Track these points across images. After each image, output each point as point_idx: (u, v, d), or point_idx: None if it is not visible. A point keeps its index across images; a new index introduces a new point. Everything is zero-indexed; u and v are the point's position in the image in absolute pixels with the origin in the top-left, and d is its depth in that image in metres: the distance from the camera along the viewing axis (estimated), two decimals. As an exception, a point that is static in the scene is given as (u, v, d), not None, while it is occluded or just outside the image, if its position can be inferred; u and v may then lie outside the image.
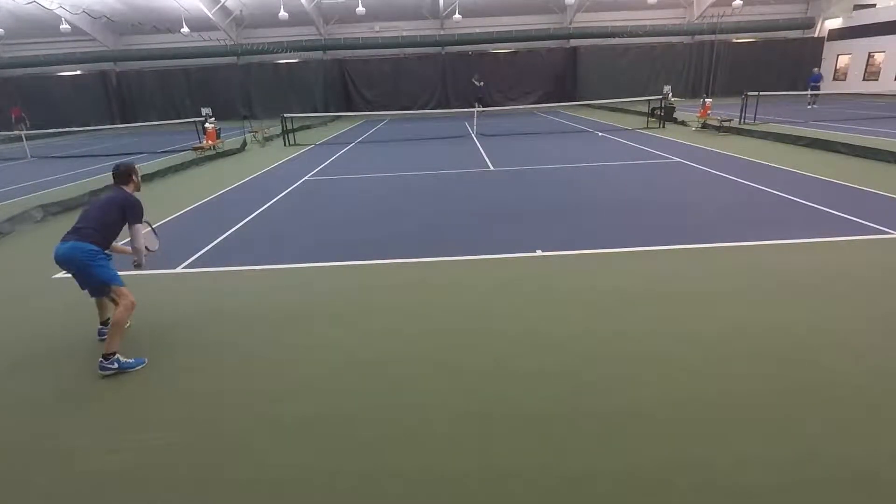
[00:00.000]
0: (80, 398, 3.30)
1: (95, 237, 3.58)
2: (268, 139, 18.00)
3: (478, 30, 29.29)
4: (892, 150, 9.54)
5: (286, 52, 29.41)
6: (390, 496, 2.40)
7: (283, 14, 24.33)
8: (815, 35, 30.12)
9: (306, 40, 29.27)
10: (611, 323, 3.95)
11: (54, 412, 3.17)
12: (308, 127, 22.40)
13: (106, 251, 3.70)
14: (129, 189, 3.85)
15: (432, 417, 2.95)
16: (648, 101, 17.70)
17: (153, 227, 4.32)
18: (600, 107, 24.69)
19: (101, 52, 29.35)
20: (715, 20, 27.94)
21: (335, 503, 2.39)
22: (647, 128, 16.50)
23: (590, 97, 26.23)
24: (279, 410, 3.07)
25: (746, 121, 15.97)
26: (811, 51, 29.58)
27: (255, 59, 30.51)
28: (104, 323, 4.02)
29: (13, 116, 26.18)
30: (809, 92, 21.29)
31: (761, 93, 17.02)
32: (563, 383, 3.20)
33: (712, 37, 29.02)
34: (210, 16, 26.72)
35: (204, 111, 16.90)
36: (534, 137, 15.77)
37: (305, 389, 3.29)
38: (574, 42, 30.31)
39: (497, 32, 29.27)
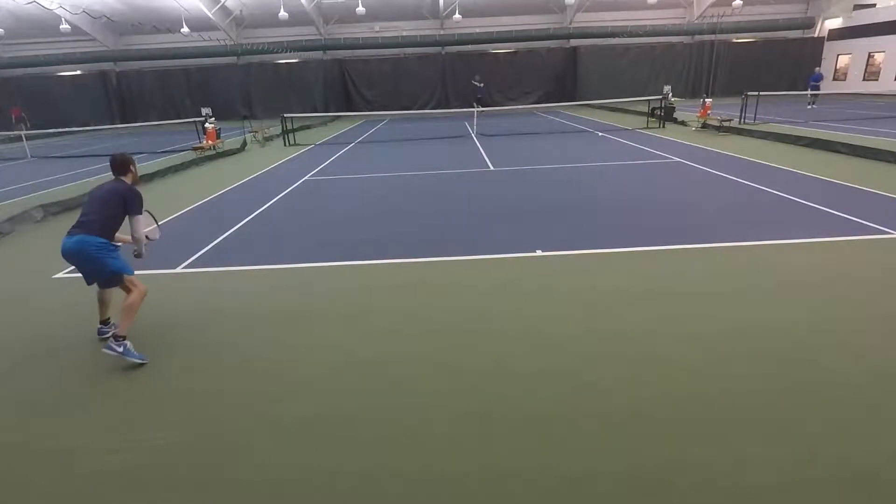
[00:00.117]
0: (80, 398, 3.30)
1: (101, 230, 3.62)
2: (268, 139, 18.00)
3: (478, 30, 29.29)
4: (892, 150, 9.54)
5: (286, 52, 29.41)
6: (390, 496, 2.40)
7: (283, 14, 24.33)
8: (815, 35, 30.12)
9: (306, 40, 29.27)
10: (611, 323, 3.95)
11: (54, 412, 3.17)
12: (308, 127, 22.40)
13: (113, 243, 3.73)
14: (127, 180, 3.86)
15: (432, 417, 2.95)
16: (648, 101, 17.70)
17: (154, 215, 4.36)
18: (600, 107, 24.68)
19: (101, 52, 29.36)
20: (715, 20, 27.94)
21: (335, 503, 2.39)
22: (647, 128, 16.50)
23: (590, 97, 26.22)
24: (279, 410, 3.07)
25: (746, 121, 15.97)
26: (811, 51, 29.59)
27: (255, 59, 30.50)
28: (104, 322, 4.03)
29: (13, 116, 26.18)
30: (809, 92, 21.28)
31: (761, 93, 17.02)
32: (563, 383, 3.20)
33: (712, 37, 29.02)
34: (210, 16, 26.71)
35: (204, 111, 16.90)
36: (534, 137, 15.77)
37: (305, 389, 3.29)
38: (574, 42, 30.31)
39: (497, 32, 29.27)
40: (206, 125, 15.81)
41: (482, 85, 27.05)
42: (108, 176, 3.91)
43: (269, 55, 29.98)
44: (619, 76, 29.65)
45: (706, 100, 16.26)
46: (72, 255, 3.59)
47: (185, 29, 25.57)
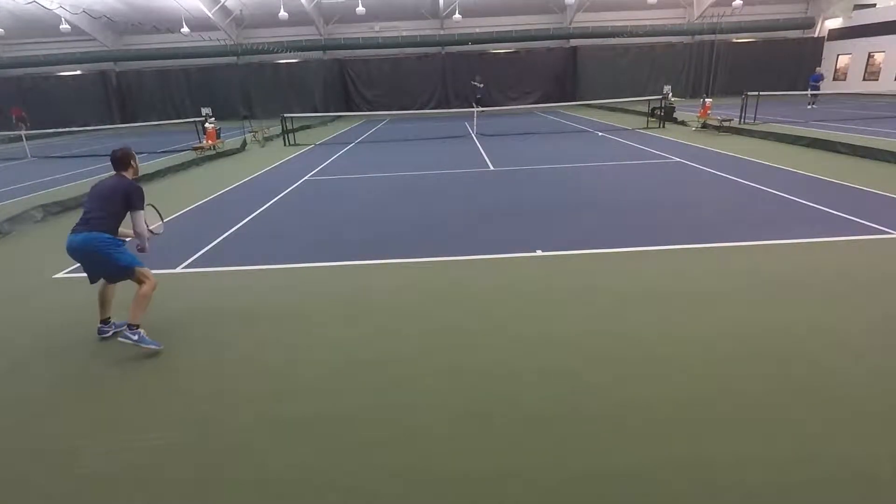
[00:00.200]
0: (80, 398, 3.30)
1: (106, 226, 3.65)
2: (268, 139, 17.99)
3: (478, 30, 29.29)
4: (892, 150, 9.54)
5: (286, 52, 29.41)
6: (390, 496, 2.40)
7: (283, 14, 24.33)
8: (815, 35, 30.14)
9: (306, 40, 29.28)
10: (611, 323, 3.95)
11: (54, 412, 3.17)
12: (308, 127, 22.40)
13: (118, 238, 3.76)
14: (128, 175, 3.87)
15: (432, 417, 2.94)
16: (648, 101, 17.71)
17: (158, 209, 4.35)
18: (600, 107, 24.68)
19: (101, 52, 29.35)
20: (715, 20, 27.94)
21: (335, 503, 2.39)
22: (647, 128, 16.51)
23: (589, 97, 26.22)
24: (279, 410, 3.07)
25: (746, 121, 15.97)
26: (811, 51, 29.61)
27: (255, 59, 30.51)
28: (104, 321, 4.03)
29: (13, 116, 26.15)
30: (809, 92, 21.27)
31: (761, 93, 17.02)
32: (563, 383, 3.20)
33: (712, 37, 29.02)
34: (210, 16, 26.72)
35: (204, 111, 16.89)
36: (534, 137, 15.77)
37: (305, 389, 3.28)
38: (574, 42, 30.32)
39: (497, 32, 29.29)
40: (206, 125, 15.81)
41: (482, 85, 27.05)
42: (108, 177, 3.91)
43: (269, 55, 29.97)
44: (619, 76, 29.67)
45: (706, 100, 16.26)
46: (78, 253, 3.60)
47: (185, 29, 25.57)
